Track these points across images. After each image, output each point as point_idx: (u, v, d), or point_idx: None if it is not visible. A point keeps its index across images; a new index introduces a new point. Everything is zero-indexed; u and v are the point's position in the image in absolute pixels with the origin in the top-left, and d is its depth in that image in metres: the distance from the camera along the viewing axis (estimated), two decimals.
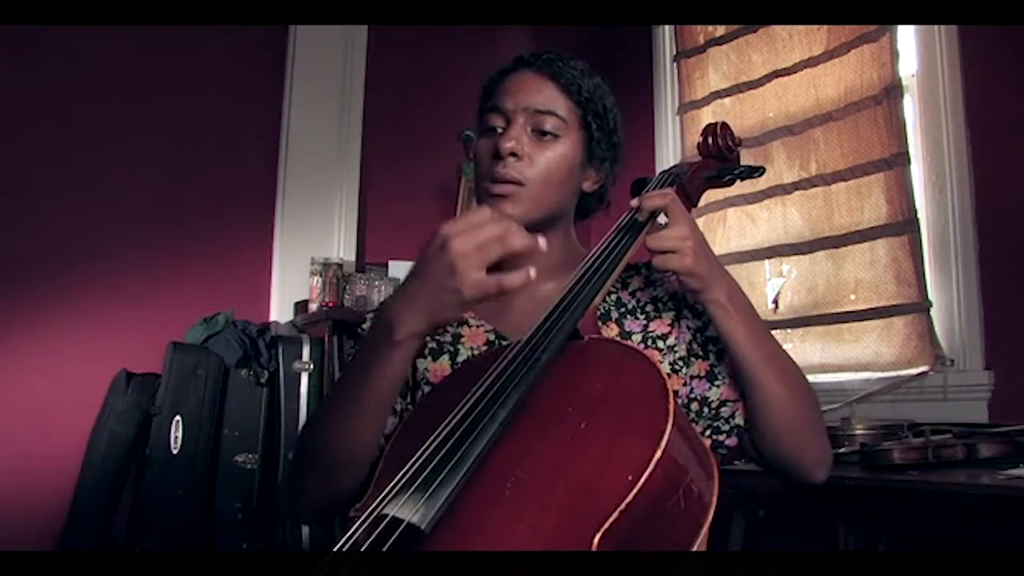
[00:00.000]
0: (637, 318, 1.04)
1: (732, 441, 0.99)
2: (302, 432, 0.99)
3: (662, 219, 0.97)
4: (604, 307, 1.04)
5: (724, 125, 1.12)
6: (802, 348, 2.47)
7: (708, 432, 0.99)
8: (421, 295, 0.79)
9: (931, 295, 2.19)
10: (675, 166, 1.13)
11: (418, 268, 0.80)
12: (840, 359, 2.38)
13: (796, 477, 0.98)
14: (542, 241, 0.80)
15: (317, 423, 0.94)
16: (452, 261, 0.76)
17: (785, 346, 2.60)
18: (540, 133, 1.00)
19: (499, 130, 1.01)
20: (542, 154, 0.99)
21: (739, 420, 0.99)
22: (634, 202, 0.96)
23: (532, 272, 0.77)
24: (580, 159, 1.03)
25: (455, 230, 0.77)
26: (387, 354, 0.83)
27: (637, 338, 1.02)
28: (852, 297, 2.39)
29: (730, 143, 1.12)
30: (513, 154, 0.98)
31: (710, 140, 1.12)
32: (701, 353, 1.02)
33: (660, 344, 1.02)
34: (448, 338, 1.05)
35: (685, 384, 1.01)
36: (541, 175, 0.99)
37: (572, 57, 1.04)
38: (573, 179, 1.04)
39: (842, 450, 1.83)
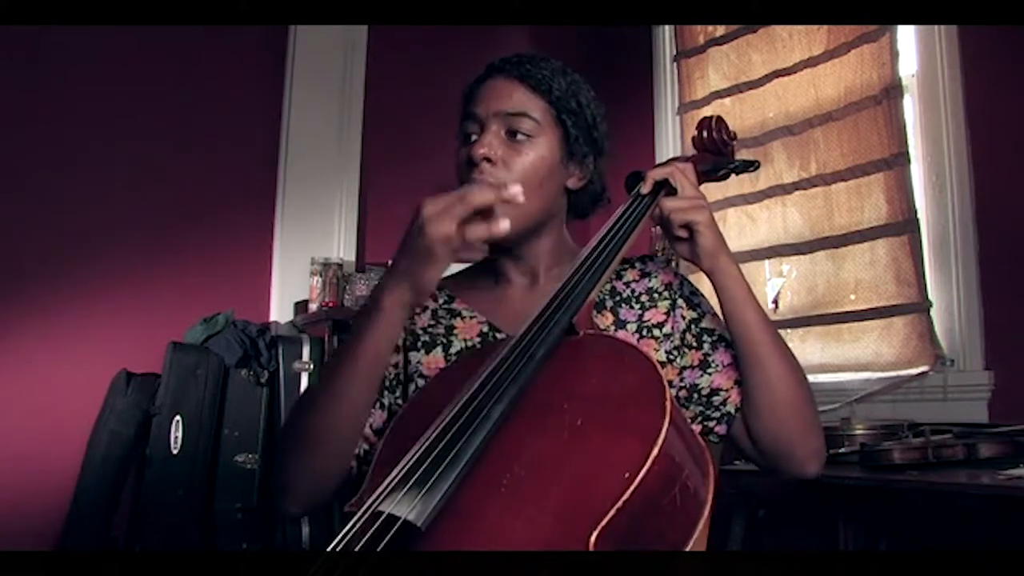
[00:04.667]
0: (632, 307, 1.04)
1: (722, 429, 0.99)
2: (289, 413, 1.00)
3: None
4: (599, 296, 1.04)
5: (719, 119, 1.12)
6: (802, 348, 2.47)
7: (699, 419, 1.00)
8: (401, 265, 0.83)
9: (931, 295, 2.19)
10: (670, 160, 1.13)
11: (399, 246, 0.85)
12: (840, 359, 2.38)
13: (788, 468, 0.97)
14: (516, 188, 0.82)
15: (303, 402, 0.95)
16: (422, 223, 0.80)
17: None
18: (513, 136, 1.00)
19: (474, 137, 1.01)
20: (518, 158, 0.99)
21: (730, 408, 0.99)
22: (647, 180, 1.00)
23: (504, 225, 0.79)
24: (559, 157, 1.03)
25: (427, 201, 0.82)
26: (371, 325, 0.85)
27: (632, 327, 1.02)
28: (852, 297, 2.39)
29: (725, 137, 1.12)
30: (487, 159, 0.98)
31: (705, 134, 1.12)
32: (695, 344, 1.02)
33: (656, 332, 1.02)
34: (441, 330, 1.05)
35: (679, 374, 1.01)
36: (519, 179, 0.98)
37: (544, 58, 1.04)
38: (554, 179, 1.03)
39: (842, 450, 1.83)
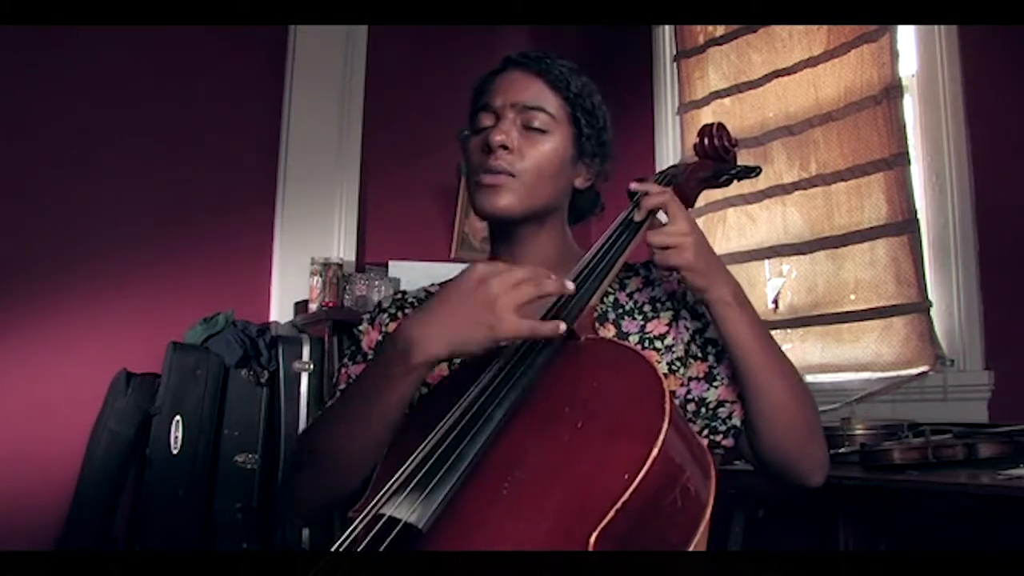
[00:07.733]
0: (634, 319, 1.04)
1: (729, 442, 0.99)
2: (301, 435, 0.99)
3: (662, 217, 0.97)
4: (602, 308, 1.04)
5: (720, 126, 1.12)
6: (802, 348, 2.47)
7: (705, 433, 0.99)
8: (451, 323, 0.79)
9: (931, 295, 2.19)
10: (671, 167, 1.13)
11: (450, 297, 0.80)
12: (840, 359, 2.38)
13: (793, 480, 0.97)
14: (570, 285, 0.82)
15: (317, 430, 0.94)
16: (492, 297, 0.77)
17: (785, 346, 2.58)
18: (529, 128, 1.01)
19: (488, 126, 1.02)
20: (532, 148, 1.01)
21: (736, 421, 0.98)
22: (634, 185, 0.97)
23: (562, 327, 0.77)
24: (570, 154, 1.04)
25: (493, 270, 0.79)
26: (399, 376, 0.82)
27: (634, 339, 1.02)
28: (852, 297, 2.39)
29: (726, 144, 1.12)
30: (503, 147, 0.99)
31: (706, 141, 1.11)
32: (700, 355, 1.02)
33: (658, 344, 1.02)
34: None
35: (683, 385, 1.00)
36: (532, 168, 1.00)
37: (560, 56, 1.06)
38: (564, 174, 1.04)
39: (842, 450, 1.83)
